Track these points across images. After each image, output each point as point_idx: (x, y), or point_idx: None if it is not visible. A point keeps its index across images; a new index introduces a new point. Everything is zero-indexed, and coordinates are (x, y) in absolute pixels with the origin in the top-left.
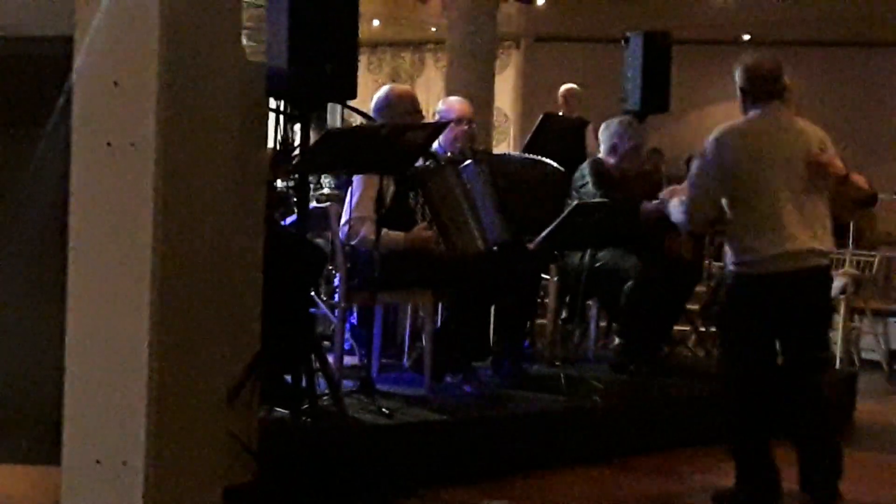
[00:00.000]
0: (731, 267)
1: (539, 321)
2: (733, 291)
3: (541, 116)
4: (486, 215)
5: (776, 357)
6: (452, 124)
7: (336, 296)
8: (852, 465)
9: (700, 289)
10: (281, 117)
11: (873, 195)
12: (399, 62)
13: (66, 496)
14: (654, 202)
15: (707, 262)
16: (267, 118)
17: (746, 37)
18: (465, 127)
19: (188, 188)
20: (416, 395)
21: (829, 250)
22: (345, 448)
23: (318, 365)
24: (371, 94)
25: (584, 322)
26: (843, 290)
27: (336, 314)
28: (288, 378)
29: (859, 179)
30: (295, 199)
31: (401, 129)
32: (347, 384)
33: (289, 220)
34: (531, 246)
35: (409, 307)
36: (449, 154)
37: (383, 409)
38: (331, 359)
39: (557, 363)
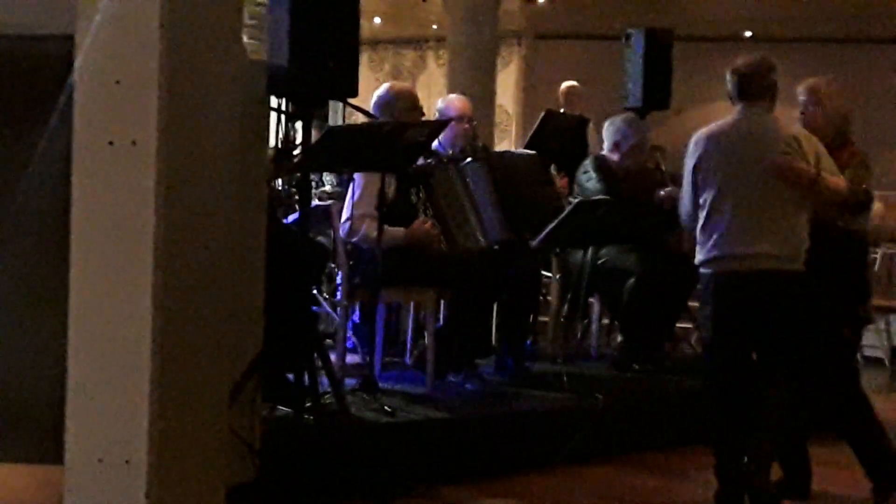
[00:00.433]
0: (698, 265)
1: (541, 319)
2: (703, 289)
3: (542, 114)
4: (486, 213)
5: (747, 357)
6: (453, 122)
7: (338, 294)
8: (855, 462)
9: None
10: (282, 115)
11: (859, 200)
12: (400, 60)
13: (69, 495)
14: (667, 189)
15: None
16: (268, 116)
17: (747, 34)
18: (466, 125)
19: (190, 186)
20: (418, 393)
21: (789, 255)
22: (347, 446)
23: (320, 363)
24: (372, 91)
25: (587, 319)
26: None
27: (338, 312)
28: (290, 376)
29: (835, 182)
30: (297, 198)
31: (402, 127)
32: (350, 382)
33: (290, 218)
34: (533, 244)
35: (411, 305)
36: (450, 152)
37: (385, 407)
38: (333, 357)
39: (559, 361)
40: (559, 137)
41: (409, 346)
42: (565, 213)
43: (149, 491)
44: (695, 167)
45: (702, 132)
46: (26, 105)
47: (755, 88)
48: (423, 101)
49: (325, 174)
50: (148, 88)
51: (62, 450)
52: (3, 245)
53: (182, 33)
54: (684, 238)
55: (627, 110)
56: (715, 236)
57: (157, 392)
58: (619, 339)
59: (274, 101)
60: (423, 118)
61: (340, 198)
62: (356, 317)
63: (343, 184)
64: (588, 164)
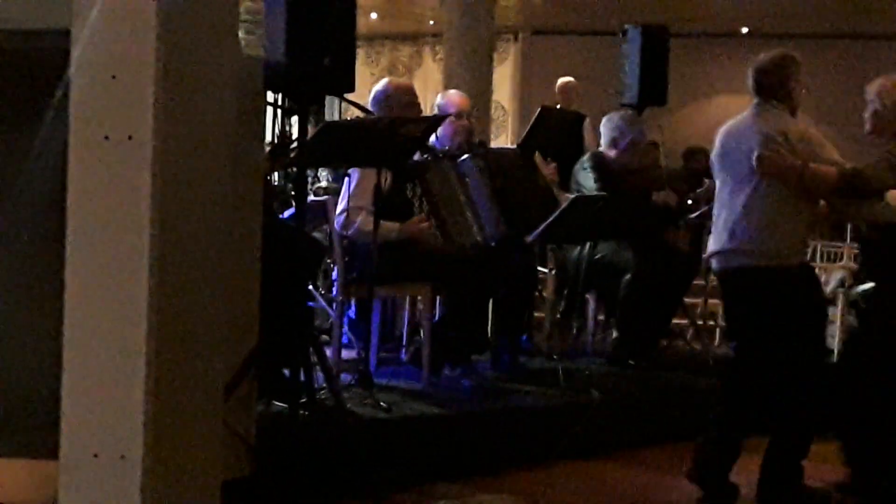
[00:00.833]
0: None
1: (537, 315)
2: None
3: (538, 110)
4: (483, 210)
5: (748, 351)
6: (451, 118)
7: (334, 289)
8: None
9: (699, 282)
10: (278, 111)
11: (850, 185)
12: (397, 55)
13: (64, 490)
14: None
15: (704, 255)
16: (265, 111)
17: (745, 30)
18: (464, 121)
19: (186, 181)
20: (414, 388)
21: (766, 251)
22: (343, 442)
23: (316, 359)
24: (369, 87)
25: (582, 315)
26: (841, 284)
27: (334, 308)
28: (286, 372)
29: (823, 171)
30: (293, 193)
31: (398, 122)
32: (345, 378)
33: (287, 213)
34: (529, 239)
35: (407, 301)
36: (447, 148)
37: (381, 403)
38: (329, 352)
39: (555, 357)
40: (555, 133)
41: (405, 341)
42: (562, 208)
43: (144, 486)
44: (713, 162)
45: (721, 127)
46: (22, 100)
47: (765, 85)
48: (419, 97)
49: (321, 169)
50: (144, 83)
51: (57, 444)
52: None
53: (179, 28)
54: (680, 234)
55: (624, 106)
56: (712, 232)
57: (152, 387)
58: (615, 335)
59: (270, 97)
60: (420, 113)
61: (336, 193)
62: (352, 312)
63: (339, 179)
64: (585, 160)
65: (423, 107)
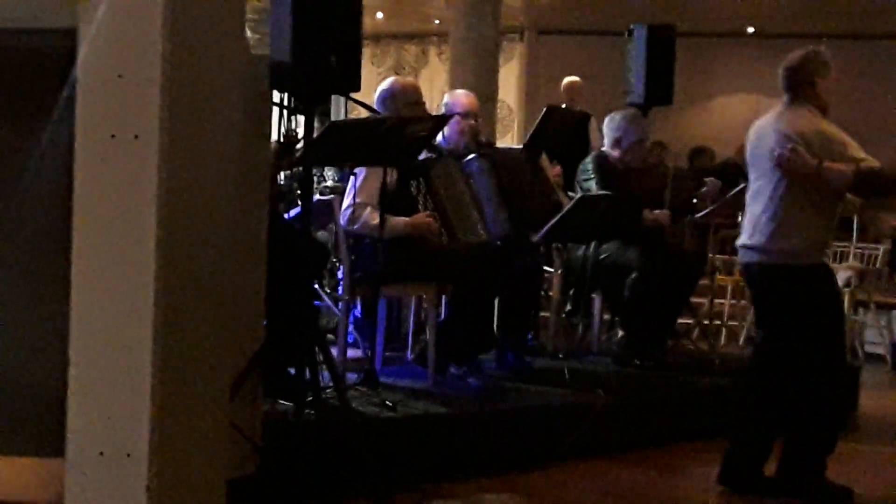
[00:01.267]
0: None
1: (542, 314)
2: None
3: (544, 109)
4: (488, 209)
5: (769, 341)
6: (458, 118)
7: (340, 288)
8: (856, 458)
9: (704, 282)
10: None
11: (865, 182)
12: (402, 55)
13: (70, 488)
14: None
15: (711, 255)
16: (270, 111)
17: (750, 29)
18: (471, 121)
19: (192, 180)
20: (419, 387)
21: (781, 248)
22: (348, 441)
23: (321, 358)
24: (374, 86)
25: (588, 315)
26: (847, 283)
27: (340, 307)
28: (291, 371)
29: (838, 169)
30: (298, 192)
31: (404, 121)
32: (351, 377)
33: (292, 212)
34: (535, 239)
35: (412, 300)
36: (453, 147)
37: (387, 402)
38: (334, 351)
39: (561, 356)
40: (561, 133)
41: (410, 341)
42: (567, 208)
43: (150, 484)
44: (746, 158)
45: (754, 124)
46: (29, 99)
47: (790, 83)
48: (425, 97)
49: (326, 168)
50: (150, 82)
51: (63, 443)
52: (5, 238)
53: (185, 27)
54: (686, 234)
55: (630, 106)
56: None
57: (158, 386)
58: (620, 334)
59: (276, 96)
60: (425, 111)
61: (342, 193)
62: (357, 311)
63: (344, 178)
64: (588, 162)
65: (428, 106)
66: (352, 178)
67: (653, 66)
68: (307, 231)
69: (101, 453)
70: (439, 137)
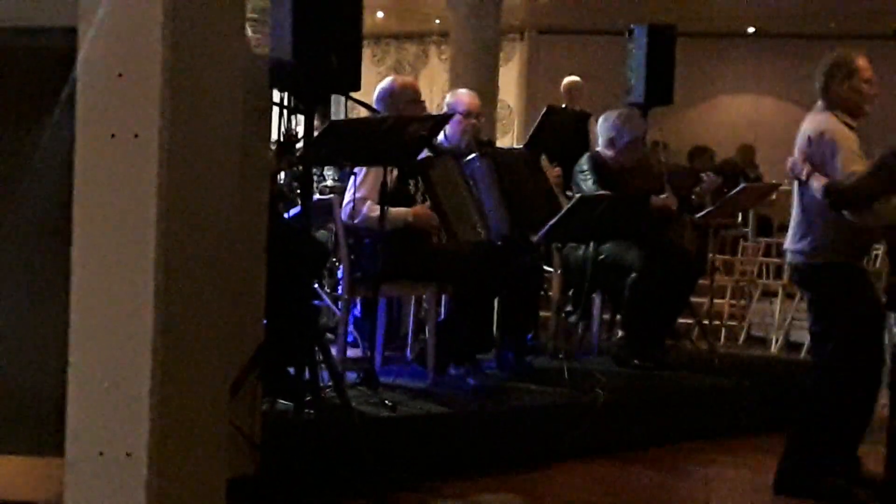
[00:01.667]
0: None
1: (542, 314)
2: None
3: (544, 109)
4: (489, 209)
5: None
6: (460, 117)
7: (339, 288)
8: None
9: (704, 281)
10: (284, 109)
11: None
12: (403, 54)
13: (70, 488)
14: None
15: (711, 255)
16: (271, 110)
17: (751, 30)
18: (473, 120)
19: (192, 179)
20: (419, 387)
21: (810, 248)
22: (348, 440)
23: (321, 357)
24: (375, 86)
25: (588, 315)
26: None
27: (339, 306)
28: (291, 370)
29: (813, 183)
30: (298, 191)
31: (404, 121)
32: (351, 377)
33: (292, 212)
34: (535, 239)
35: (412, 300)
36: (454, 146)
37: (386, 402)
38: (334, 351)
39: (561, 356)
40: (561, 133)
41: (410, 340)
42: (567, 207)
43: (149, 484)
44: None
45: None
46: (29, 98)
47: (818, 86)
48: (425, 96)
49: (325, 168)
50: (151, 81)
51: (63, 442)
52: (5, 237)
53: (185, 26)
54: (686, 234)
55: (630, 106)
56: None
57: (158, 385)
58: (620, 334)
59: (276, 95)
60: (424, 109)
61: (342, 192)
62: (357, 311)
63: (344, 178)
64: (583, 162)
65: (428, 106)
66: (352, 177)
67: (653, 65)
68: (307, 231)
69: (101, 453)
70: (440, 136)
